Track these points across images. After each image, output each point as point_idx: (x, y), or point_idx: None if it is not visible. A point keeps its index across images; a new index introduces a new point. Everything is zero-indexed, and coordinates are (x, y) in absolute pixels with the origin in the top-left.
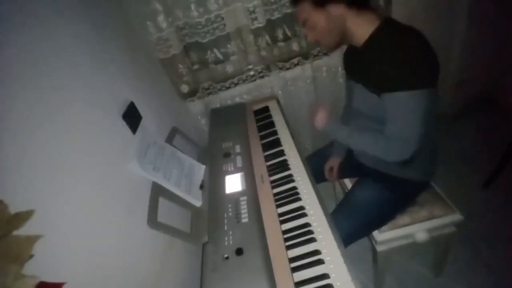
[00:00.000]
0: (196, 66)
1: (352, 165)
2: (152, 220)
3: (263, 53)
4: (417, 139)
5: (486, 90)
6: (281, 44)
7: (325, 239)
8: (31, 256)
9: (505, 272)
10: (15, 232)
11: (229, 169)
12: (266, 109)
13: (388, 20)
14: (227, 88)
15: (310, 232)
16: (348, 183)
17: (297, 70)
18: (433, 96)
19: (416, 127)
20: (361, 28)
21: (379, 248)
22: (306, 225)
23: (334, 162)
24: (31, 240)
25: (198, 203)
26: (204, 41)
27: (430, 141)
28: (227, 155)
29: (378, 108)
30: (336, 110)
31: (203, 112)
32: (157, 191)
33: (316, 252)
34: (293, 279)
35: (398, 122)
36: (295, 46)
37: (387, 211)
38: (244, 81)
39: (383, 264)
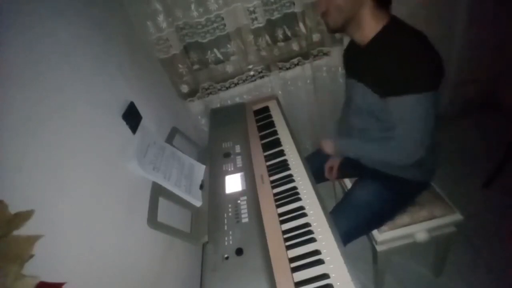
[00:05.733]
0: (196, 66)
1: (352, 165)
2: (152, 220)
3: (263, 53)
4: (428, 138)
5: (486, 90)
6: (281, 44)
7: (325, 239)
8: (31, 256)
9: (505, 272)
10: (15, 232)
11: (229, 169)
12: (266, 109)
13: (394, 20)
14: (227, 88)
15: (310, 232)
16: (348, 182)
17: (297, 70)
18: (437, 97)
19: (425, 127)
20: (370, 24)
21: (379, 248)
22: (306, 225)
23: (334, 161)
24: (31, 240)
25: (198, 203)
26: (204, 41)
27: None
28: (227, 155)
29: (378, 108)
30: (336, 111)
31: (203, 112)
32: (157, 191)
33: (316, 252)
34: (293, 279)
35: (407, 124)
36: (295, 46)
37: (387, 210)
38: (244, 81)
39: (383, 264)
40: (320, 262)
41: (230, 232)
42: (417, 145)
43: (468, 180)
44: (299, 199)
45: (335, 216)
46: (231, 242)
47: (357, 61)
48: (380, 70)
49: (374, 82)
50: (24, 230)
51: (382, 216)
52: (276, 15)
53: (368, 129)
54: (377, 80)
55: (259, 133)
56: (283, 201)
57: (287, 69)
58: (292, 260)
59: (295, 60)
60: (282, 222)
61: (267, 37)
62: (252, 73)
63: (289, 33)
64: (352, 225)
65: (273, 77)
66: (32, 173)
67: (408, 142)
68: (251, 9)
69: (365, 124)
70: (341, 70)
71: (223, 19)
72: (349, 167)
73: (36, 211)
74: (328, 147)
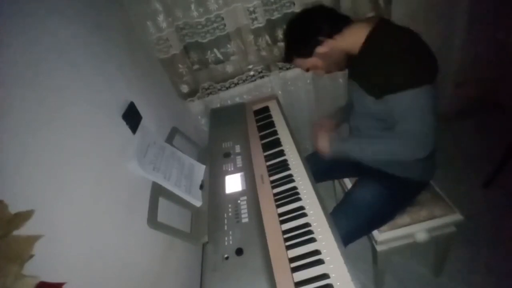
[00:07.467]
0: (196, 66)
1: (352, 165)
2: (152, 220)
3: (263, 53)
4: (432, 132)
5: (486, 90)
6: (281, 44)
7: (325, 239)
8: (31, 256)
9: (505, 272)
10: (15, 232)
11: (229, 169)
12: (266, 109)
13: (381, 23)
14: (227, 88)
15: (310, 232)
16: (348, 183)
17: (297, 70)
18: (434, 91)
19: (428, 121)
20: (354, 40)
21: (379, 248)
22: (306, 225)
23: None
24: (31, 240)
25: (198, 203)
26: (204, 41)
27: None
28: (227, 155)
29: (376, 110)
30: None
31: (203, 112)
32: (157, 191)
33: (316, 252)
34: (293, 279)
35: (409, 120)
36: None
37: (387, 210)
38: (244, 81)
39: (383, 264)
40: (320, 262)
41: (230, 232)
42: (422, 138)
43: (468, 180)
44: (299, 199)
45: (335, 217)
46: (231, 242)
47: (353, 66)
48: (372, 72)
49: (368, 84)
50: (24, 230)
51: (382, 216)
52: (276, 15)
53: (369, 130)
54: (371, 82)
55: (259, 133)
56: (283, 201)
57: (287, 69)
58: (292, 260)
59: None
60: (282, 222)
61: (267, 37)
62: (252, 73)
63: None
64: (353, 225)
65: (273, 77)
66: (32, 173)
67: (412, 136)
68: (251, 9)
69: (365, 125)
70: None
71: (223, 19)
72: (349, 166)
73: (36, 211)
74: (323, 143)
